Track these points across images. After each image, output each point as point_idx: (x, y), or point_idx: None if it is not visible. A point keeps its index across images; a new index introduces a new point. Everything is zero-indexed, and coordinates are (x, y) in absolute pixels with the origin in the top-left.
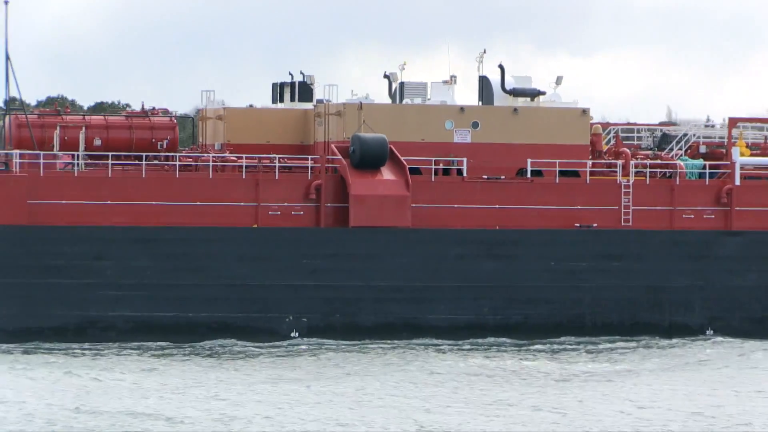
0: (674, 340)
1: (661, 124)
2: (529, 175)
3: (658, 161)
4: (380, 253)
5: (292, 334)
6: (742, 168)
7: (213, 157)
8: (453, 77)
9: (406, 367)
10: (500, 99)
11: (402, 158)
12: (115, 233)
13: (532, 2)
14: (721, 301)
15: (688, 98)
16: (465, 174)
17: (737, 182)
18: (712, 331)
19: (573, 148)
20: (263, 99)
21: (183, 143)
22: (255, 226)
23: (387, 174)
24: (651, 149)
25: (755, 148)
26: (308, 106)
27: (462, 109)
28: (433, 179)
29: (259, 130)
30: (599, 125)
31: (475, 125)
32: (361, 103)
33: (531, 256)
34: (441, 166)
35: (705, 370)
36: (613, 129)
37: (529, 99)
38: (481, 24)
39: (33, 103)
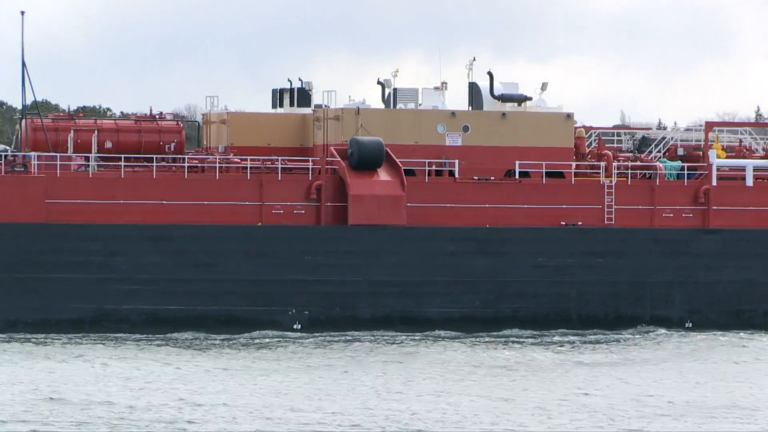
0: (655, 332)
1: (638, 128)
2: (517, 176)
3: (639, 163)
4: (377, 249)
5: (295, 326)
6: (718, 169)
7: (219, 159)
8: (444, 83)
9: (399, 359)
10: (489, 104)
11: (397, 160)
12: (128, 231)
13: (491, 11)
14: (699, 296)
15: (641, 103)
16: (457, 175)
17: (714, 183)
18: (691, 324)
19: (558, 151)
20: (244, 100)
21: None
22: (259, 224)
23: (383, 175)
24: (632, 152)
25: (730, 151)
26: (307, 110)
27: (453, 113)
28: (426, 180)
29: (260, 134)
30: (582, 129)
31: (465, 129)
32: (358, 108)
33: (520, 252)
34: (434, 167)
35: (683, 362)
36: (595, 132)
37: (516, 104)
38: (442, 32)
39: (71, 107)
